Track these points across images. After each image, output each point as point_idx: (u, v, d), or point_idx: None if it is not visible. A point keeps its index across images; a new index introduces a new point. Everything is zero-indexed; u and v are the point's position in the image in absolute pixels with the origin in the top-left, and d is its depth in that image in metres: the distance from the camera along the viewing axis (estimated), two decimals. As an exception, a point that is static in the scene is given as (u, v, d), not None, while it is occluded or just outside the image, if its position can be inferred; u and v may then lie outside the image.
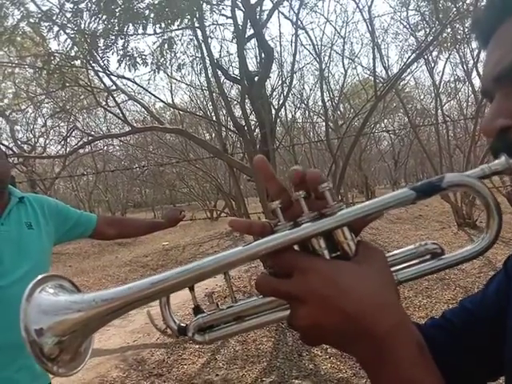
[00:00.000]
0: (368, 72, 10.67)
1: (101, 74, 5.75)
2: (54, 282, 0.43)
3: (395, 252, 0.46)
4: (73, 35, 4.95)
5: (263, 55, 5.65)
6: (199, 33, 5.35)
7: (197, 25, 5.13)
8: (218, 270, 0.40)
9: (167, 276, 0.40)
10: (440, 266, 0.43)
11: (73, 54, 5.27)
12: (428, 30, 7.33)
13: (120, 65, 4.98)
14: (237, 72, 6.39)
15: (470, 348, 0.49)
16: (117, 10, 4.46)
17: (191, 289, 0.44)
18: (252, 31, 5.59)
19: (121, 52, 4.91)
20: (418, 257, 0.45)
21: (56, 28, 4.78)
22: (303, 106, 12.77)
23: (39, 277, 0.42)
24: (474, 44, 7.85)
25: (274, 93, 9.62)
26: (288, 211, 0.42)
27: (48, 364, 0.38)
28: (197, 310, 0.45)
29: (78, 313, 0.39)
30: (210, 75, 5.77)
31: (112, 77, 5.67)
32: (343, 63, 11.22)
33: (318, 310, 0.37)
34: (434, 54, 8.73)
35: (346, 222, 0.39)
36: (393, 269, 0.43)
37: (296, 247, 0.41)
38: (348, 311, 0.36)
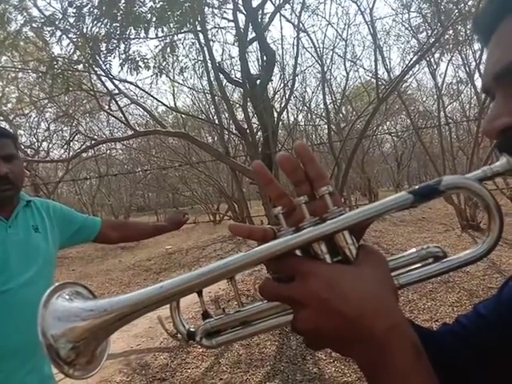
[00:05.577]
0: (370, 74, 10.63)
1: (103, 78, 5.77)
2: (71, 289, 0.44)
3: (397, 256, 0.46)
4: (75, 39, 4.99)
5: (265, 58, 5.67)
6: (201, 36, 5.38)
7: (199, 28, 5.16)
8: (224, 276, 0.41)
9: (175, 282, 0.41)
10: (442, 270, 0.43)
11: (75, 58, 5.30)
12: (430, 31, 7.32)
13: (122, 68, 5.02)
14: (239, 75, 6.42)
15: (482, 353, 0.48)
16: (118, 14, 4.49)
17: (199, 294, 0.44)
18: (254, 34, 5.62)
19: (123, 56, 4.94)
20: (420, 260, 0.45)
21: (59, 32, 4.81)
22: (305, 108, 12.76)
23: (56, 284, 0.44)
24: (476, 45, 7.86)
25: (276, 96, 9.63)
26: (291, 216, 0.44)
27: (65, 367, 0.39)
28: (205, 314, 0.46)
29: (88, 320, 0.40)
30: (212, 78, 5.79)
31: (114, 81, 5.69)
32: (345, 66, 11.16)
33: (318, 313, 0.38)
34: (436, 55, 8.70)
35: (346, 226, 0.40)
36: (395, 273, 0.44)
37: (299, 252, 0.41)
38: (346, 314, 0.37)
